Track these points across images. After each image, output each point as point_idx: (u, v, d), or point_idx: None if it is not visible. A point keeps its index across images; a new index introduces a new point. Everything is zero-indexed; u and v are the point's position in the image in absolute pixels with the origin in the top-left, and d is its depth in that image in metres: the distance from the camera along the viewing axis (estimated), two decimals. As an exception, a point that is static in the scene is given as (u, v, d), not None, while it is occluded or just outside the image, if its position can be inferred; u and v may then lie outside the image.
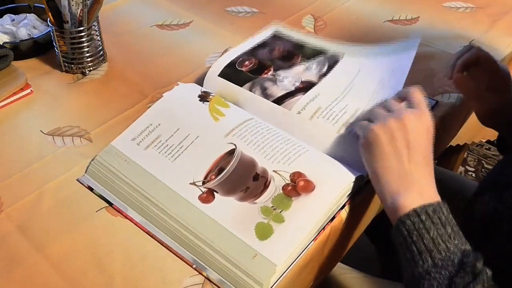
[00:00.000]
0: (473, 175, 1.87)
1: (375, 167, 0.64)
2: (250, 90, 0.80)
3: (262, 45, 0.89)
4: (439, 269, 0.55)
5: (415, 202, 0.59)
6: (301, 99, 0.78)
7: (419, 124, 0.64)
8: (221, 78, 0.83)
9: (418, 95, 0.67)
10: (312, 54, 0.86)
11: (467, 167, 1.90)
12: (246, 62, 0.85)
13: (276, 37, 0.92)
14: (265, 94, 0.79)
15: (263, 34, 0.92)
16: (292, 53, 0.87)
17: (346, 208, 0.68)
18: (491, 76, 0.79)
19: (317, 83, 0.80)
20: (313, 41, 0.90)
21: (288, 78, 0.81)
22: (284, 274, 0.61)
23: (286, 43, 0.90)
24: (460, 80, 0.79)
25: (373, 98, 0.76)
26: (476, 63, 0.79)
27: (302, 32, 0.96)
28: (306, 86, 0.80)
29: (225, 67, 0.84)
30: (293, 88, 0.79)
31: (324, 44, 0.89)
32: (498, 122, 0.84)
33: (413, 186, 0.61)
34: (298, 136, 0.73)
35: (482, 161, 1.91)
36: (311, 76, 0.82)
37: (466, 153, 1.90)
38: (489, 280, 0.54)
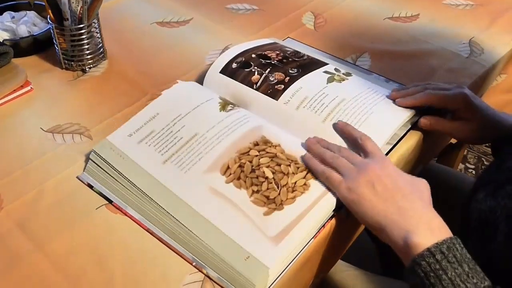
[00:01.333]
0: (473, 172, 1.87)
1: (372, 218, 0.63)
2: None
3: (261, 48, 0.90)
4: None
5: (427, 240, 0.58)
6: (287, 89, 0.79)
7: (385, 169, 0.65)
8: (222, 75, 0.83)
9: (370, 142, 0.69)
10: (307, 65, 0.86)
11: (467, 164, 1.89)
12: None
13: (276, 43, 0.93)
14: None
15: (261, 41, 0.93)
16: (288, 58, 0.87)
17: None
18: (450, 109, 0.79)
19: (300, 77, 0.82)
20: (314, 55, 0.90)
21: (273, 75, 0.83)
22: (284, 272, 0.61)
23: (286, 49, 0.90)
24: (427, 125, 0.79)
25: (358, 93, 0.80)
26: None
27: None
28: (289, 79, 0.81)
29: (227, 64, 0.85)
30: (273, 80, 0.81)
31: (323, 59, 0.89)
32: (483, 140, 0.84)
33: (419, 221, 0.60)
34: (286, 127, 0.75)
35: (482, 158, 1.91)
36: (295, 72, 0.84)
37: (466, 150, 1.90)
38: None
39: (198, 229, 0.63)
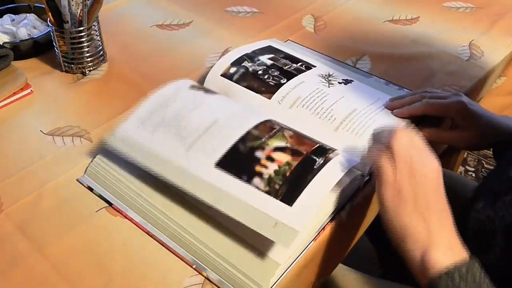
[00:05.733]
0: (473, 175, 1.87)
1: (398, 223, 0.59)
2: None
3: (262, 51, 0.90)
4: None
5: (446, 257, 0.55)
6: (281, 88, 0.80)
7: (424, 169, 0.61)
8: (222, 78, 0.83)
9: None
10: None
11: (467, 167, 1.89)
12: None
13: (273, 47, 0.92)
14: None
15: (262, 43, 0.93)
16: (285, 65, 0.87)
17: (346, 208, 0.68)
18: (449, 118, 0.79)
19: (296, 75, 0.83)
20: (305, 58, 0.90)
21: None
22: (284, 275, 0.61)
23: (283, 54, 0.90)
24: (426, 137, 0.76)
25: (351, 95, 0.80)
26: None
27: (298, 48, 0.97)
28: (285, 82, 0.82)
29: (227, 68, 0.85)
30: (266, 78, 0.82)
31: (322, 62, 0.90)
32: (484, 146, 0.84)
33: (442, 238, 0.57)
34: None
35: (482, 161, 1.91)
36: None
37: (466, 153, 1.90)
38: None
39: (224, 206, 0.61)
